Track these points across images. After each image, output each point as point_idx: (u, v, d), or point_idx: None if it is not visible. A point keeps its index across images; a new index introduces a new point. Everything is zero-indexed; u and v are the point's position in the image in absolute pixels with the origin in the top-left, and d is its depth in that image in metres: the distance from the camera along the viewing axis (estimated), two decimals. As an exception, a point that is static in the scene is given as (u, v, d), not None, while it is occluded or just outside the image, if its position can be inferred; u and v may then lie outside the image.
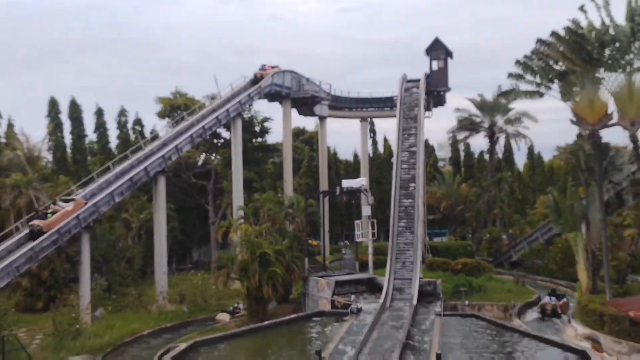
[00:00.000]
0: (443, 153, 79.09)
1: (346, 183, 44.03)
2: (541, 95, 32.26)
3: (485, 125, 63.06)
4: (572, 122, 32.07)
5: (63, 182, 47.86)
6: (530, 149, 67.66)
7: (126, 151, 48.96)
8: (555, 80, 32.12)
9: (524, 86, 32.74)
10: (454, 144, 71.14)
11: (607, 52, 28.89)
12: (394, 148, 45.76)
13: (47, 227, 35.69)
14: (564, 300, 38.61)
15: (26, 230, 35.74)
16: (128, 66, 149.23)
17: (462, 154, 73.19)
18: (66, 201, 38.23)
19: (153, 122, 60.62)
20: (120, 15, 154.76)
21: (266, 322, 31.27)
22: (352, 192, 43.38)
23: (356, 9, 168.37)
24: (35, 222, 35.84)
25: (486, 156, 68.42)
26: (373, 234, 41.16)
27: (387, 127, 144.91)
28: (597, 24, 29.13)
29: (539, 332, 29.86)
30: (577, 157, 35.14)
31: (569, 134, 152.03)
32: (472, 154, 72.61)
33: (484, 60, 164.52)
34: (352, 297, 34.66)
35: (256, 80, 53.34)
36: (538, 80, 32.13)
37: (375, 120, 72.88)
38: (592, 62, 28.92)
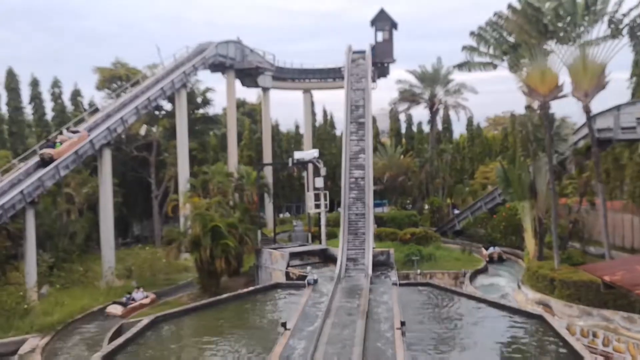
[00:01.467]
0: (382, 124, 79.92)
1: (298, 154, 44.06)
2: (495, 67, 32.81)
3: (426, 96, 63.50)
4: (524, 92, 32.85)
5: (3, 155, 45.91)
6: (470, 120, 68.70)
7: (64, 123, 47.88)
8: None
9: (477, 58, 33.25)
10: (395, 115, 71.63)
11: (560, 24, 29.48)
12: (343, 120, 45.57)
13: (57, 155, 38.43)
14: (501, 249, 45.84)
15: (37, 159, 38.28)
16: (46, 35, 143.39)
17: (402, 125, 73.72)
18: (73, 132, 40.77)
19: (89, 93, 58.96)
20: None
21: (225, 295, 30.80)
22: (304, 163, 43.30)
23: None
24: (46, 150, 38.42)
25: (426, 127, 69.37)
26: (325, 205, 41.19)
27: (326, 98, 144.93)
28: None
29: (495, 299, 30.59)
30: (526, 128, 36.08)
31: (502, 104, 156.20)
32: (412, 125, 73.38)
33: (413, 31, 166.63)
34: (308, 268, 34.61)
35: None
36: (492, 52, 32.66)
37: (313, 92, 72.53)
38: (548, 34, 29.50)
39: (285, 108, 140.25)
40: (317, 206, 41.13)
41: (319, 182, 41.09)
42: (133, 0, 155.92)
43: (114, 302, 35.22)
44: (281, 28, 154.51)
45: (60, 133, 40.70)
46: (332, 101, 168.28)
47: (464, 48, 33.06)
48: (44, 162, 38.18)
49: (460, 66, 33.80)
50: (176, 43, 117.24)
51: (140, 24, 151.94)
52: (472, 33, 32.67)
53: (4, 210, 34.68)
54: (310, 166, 44.19)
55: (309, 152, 44.84)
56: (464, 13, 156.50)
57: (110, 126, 42.66)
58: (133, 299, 36.00)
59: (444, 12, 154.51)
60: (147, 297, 37.05)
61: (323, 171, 41.64)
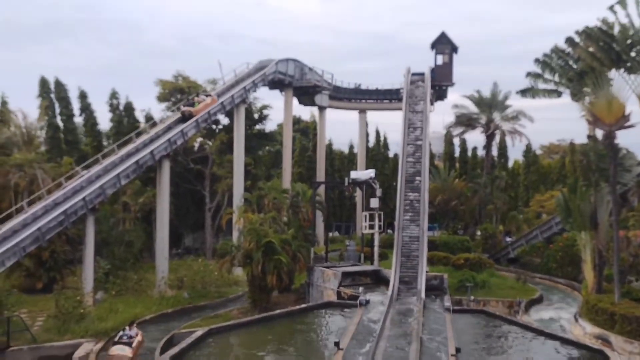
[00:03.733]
0: (436, 148, 79.46)
1: (355, 174, 44.00)
2: (559, 94, 32.27)
3: (482, 121, 63.17)
4: (588, 121, 32.15)
5: (67, 162, 47.15)
6: (528, 147, 68.27)
7: (124, 134, 48.69)
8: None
9: (541, 85, 32.76)
10: (449, 139, 71.56)
11: (632, 53, 28.92)
12: (398, 141, 45.64)
13: (196, 112, 45.69)
14: None
15: (178, 115, 45.88)
16: (107, 48, 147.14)
17: (456, 149, 73.43)
18: (206, 95, 48.28)
19: (144, 105, 60.27)
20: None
21: (277, 311, 31.00)
22: (359, 183, 43.28)
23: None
24: (187, 108, 45.84)
25: (480, 152, 68.86)
26: (380, 226, 41.11)
27: (379, 119, 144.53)
28: (625, 24, 29.18)
29: (553, 330, 29.90)
30: (588, 157, 35.25)
31: (557, 133, 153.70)
32: (466, 149, 72.96)
33: (467, 56, 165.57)
34: (360, 288, 34.37)
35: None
36: (557, 79, 32.15)
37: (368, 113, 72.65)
38: (620, 63, 28.96)
39: (337, 127, 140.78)
40: (371, 226, 40.98)
41: (374, 202, 40.96)
42: (192, 16, 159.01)
43: (115, 343, 28.24)
44: (334, 48, 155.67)
45: (197, 95, 48.51)
46: (385, 122, 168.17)
47: (529, 74, 32.61)
48: (184, 117, 45.41)
49: (524, 92, 33.29)
50: (233, 59, 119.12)
51: (199, 39, 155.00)
52: (537, 60, 32.29)
53: (67, 215, 35.56)
54: (364, 186, 44.10)
55: (365, 172, 44.66)
56: (517, 39, 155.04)
57: (171, 138, 43.37)
58: (131, 337, 30.00)
59: (500, 37, 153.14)
60: (138, 334, 30.89)
61: (379, 192, 41.58)
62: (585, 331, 30.61)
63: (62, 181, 38.45)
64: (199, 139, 61.47)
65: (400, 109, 52.70)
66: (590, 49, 29.63)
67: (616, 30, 29.50)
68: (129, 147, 42.16)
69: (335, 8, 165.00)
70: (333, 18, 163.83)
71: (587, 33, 29.13)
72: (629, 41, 29.05)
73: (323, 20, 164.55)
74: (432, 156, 68.16)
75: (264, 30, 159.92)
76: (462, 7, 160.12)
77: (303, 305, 33.17)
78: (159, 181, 44.10)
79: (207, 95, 48.38)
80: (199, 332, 25.42)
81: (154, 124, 48.04)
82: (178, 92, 58.35)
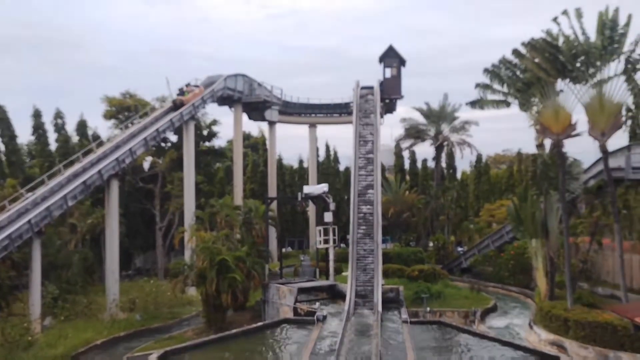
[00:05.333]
0: (386, 160, 79.57)
1: (308, 189, 43.69)
2: (508, 104, 32.75)
3: (431, 133, 63.62)
4: (537, 130, 32.71)
5: (10, 185, 45.63)
6: (479, 157, 69.15)
7: (68, 154, 47.92)
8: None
9: (490, 95, 33.19)
10: (399, 151, 71.74)
11: (577, 63, 29.53)
12: (351, 154, 45.34)
13: (186, 101, 50.28)
14: None
15: (170, 105, 50.04)
16: (46, 66, 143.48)
17: (406, 161, 73.72)
18: (195, 86, 52.12)
19: (89, 124, 59.13)
20: (36, 13, 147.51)
21: (234, 331, 30.33)
22: (312, 198, 43.09)
23: (284, 15, 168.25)
24: (178, 97, 50.41)
25: (430, 164, 69.29)
26: (334, 241, 40.91)
27: (329, 134, 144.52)
28: (569, 36, 29.85)
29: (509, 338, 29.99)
30: (537, 166, 35.91)
31: (503, 143, 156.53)
32: (416, 161, 73.34)
33: (416, 69, 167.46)
34: (317, 304, 34.08)
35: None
36: (505, 89, 32.65)
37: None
38: (566, 73, 29.53)
39: (288, 142, 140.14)
40: (326, 241, 40.73)
41: (328, 216, 40.77)
42: (134, 33, 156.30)
43: None
44: (281, 63, 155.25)
45: (187, 86, 51.91)
46: (335, 136, 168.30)
47: (477, 85, 32.99)
48: (176, 106, 49.61)
49: (474, 103, 33.63)
50: (180, 76, 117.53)
51: (143, 57, 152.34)
52: (485, 70, 32.67)
53: (11, 240, 34.34)
54: (317, 201, 43.91)
55: (318, 187, 44.41)
56: (464, 51, 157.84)
57: (119, 157, 42.60)
58: None
59: (447, 50, 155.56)
60: None
61: (332, 206, 41.40)
62: (540, 338, 30.93)
63: (6, 204, 37.31)
64: (149, 158, 60.96)
65: (350, 122, 52.47)
66: (536, 60, 30.15)
67: (560, 41, 30.13)
68: (76, 167, 41.15)
69: (281, 24, 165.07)
70: (279, 34, 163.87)
71: (533, 44, 29.65)
72: (573, 51, 29.67)
73: (269, 36, 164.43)
74: (383, 169, 68.51)
75: (210, 47, 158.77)
76: (408, 21, 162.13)
77: (259, 323, 32.55)
78: (107, 201, 43.13)
79: (195, 86, 52.17)
80: (154, 355, 24.64)
81: (101, 143, 47.01)
82: (125, 109, 57.75)
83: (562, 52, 29.41)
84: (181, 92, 51.27)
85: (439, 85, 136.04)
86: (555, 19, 29.21)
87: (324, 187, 43.46)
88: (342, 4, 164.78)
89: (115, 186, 42.95)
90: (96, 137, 57.12)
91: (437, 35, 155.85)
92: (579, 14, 29.21)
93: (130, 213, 57.98)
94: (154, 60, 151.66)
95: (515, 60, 31.98)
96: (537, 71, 30.02)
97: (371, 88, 53.23)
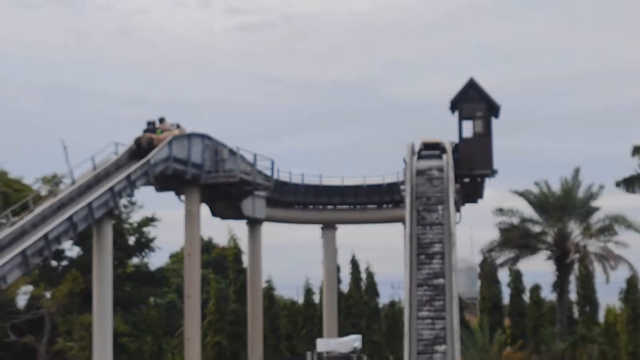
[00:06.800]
0: (463, 287, 72.42)
1: (324, 345, 41.84)
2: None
3: (550, 238, 58.49)
4: None
5: None
6: (632, 283, 59.33)
7: None
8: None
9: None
10: (491, 271, 64.02)
11: None
12: (405, 279, 40.64)
13: (158, 141, 47.59)
14: None
15: (128, 147, 47.38)
16: None
17: (504, 290, 65.71)
18: (172, 125, 50.85)
19: None
20: None
21: None
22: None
23: (271, 24, 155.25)
24: (146, 134, 48.16)
25: (547, 294, 62.49)
26: None
27: (359, 241, 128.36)
28: None
29: None
30: None
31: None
32: (522, 291, 64.67)
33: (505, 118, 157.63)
34: None
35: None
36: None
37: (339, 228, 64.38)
38: None
39: (282, 255, 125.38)
40: None
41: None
42: (28, 62, 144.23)
43: None
44: (266, 110, 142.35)
45: (161, 121, 49.59)
46: (368, 246, 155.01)
47: (637, 151, 33.37)
48: (140, 148, 46.59)
49: (631, 182, 34.50)
50: (84, 140, 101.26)
51: (11, 101, 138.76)
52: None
53: None
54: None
55: (343, 341, 43.11)
56: (589, 86, 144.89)
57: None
58: None
59: (564, 83, 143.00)
60: None
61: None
62: None
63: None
64: (27, 288, 56.20)
65: (398, 219, 50.64)
66: None
67: None
68: None
69: (266, 40, 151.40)
70: (262, 58, 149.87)
71: None
72: None
73: (246, 62, 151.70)
74: (461, 305, 60.59)
75: (133, 82, 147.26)
76: (489, 34, 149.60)
77: None
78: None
79: (174, 125, 50.93)
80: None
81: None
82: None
83: None
84: (151, 129, 48.48)
85: (552, 149, 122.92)
86: None
87: (354, 342, 42.60)
88: (366, 4, 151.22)
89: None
90: None
91: (540, 59, 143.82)
92: None
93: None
94: (31, 108, 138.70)
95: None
96: None
97: (438, 157, 48.59)
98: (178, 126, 50.49)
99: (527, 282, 64.28)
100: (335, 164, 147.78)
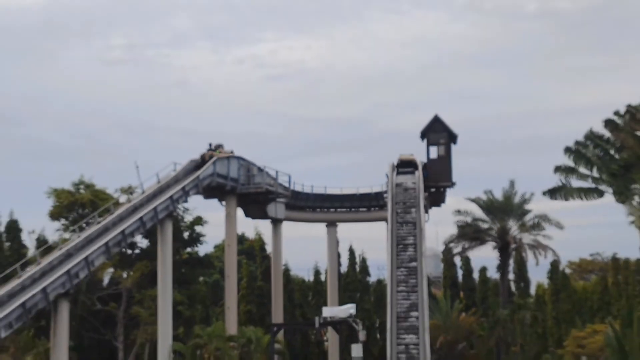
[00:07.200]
0: (429, 269, 78.86)
1: (328, 311, 43.87)
2: (601, 194, 32.68)
3: (494, 233, 63.54)
4: (641, 229, 32.42)
5: None
6: (555, 265, 66.87)
7: (4, 266, 47.56)
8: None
9: (575, 182, 33.19)
10: (450, 258, 70.39)
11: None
12: (386, 263, 45.09)
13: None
14: None
15: (197, 159, 55.50)
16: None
17: (459, 271, 71.89)
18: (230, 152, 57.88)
19: (31, 224, 59.09)
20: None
21: None
22: (335, 324, 43.04)
23: (288, 76, 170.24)
24: (209, 151, 56.13)
25: (492, 274, 68.31)
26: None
27: (355, 235, 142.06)
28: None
29: None
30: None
31: (589, 245, 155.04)
32: (472, 271, 71.52)
33: (464, 144, 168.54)
34: None
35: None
36: (595, 174, 32.61)
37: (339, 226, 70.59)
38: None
39: (297, 246, 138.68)
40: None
41: (357, 349, 40.35)
42: (88, 105, 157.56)
43: None
44: (285, 140, 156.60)
45: (219, 146, 57.21)
46: (361, 238, 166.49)
47: (558, 169, 33.30)
48: (204, 162, 54.84)
49: (554, 192, 33.86)
50: (151, 159, 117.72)
51: (100, 134, 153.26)
52: (567, 149, 32.84)
53: None
54: (341, 328, 44.44)
55: (342, 308, 44.88)
56: (528, 121, 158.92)
57: (70, 270, 41.87)
58: None
59: (506, 119, 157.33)
60: None
61: (362, 335, 41.20)
62: None
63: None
64: (110, 270, 60.68)
65: (383, 219, 53.53)
66: (638, 133, 30.13)
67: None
68: (12, 285, 40.39)
69: (284, 88, 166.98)
70: (282, 101, 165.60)
71: (633, 112, 29.73)
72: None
73: (269, 105, 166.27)
74: (429, 283, 68.10)
75: (187, 119, 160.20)
76: (452, 83, 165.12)
77: None
78: (53, 331, 42.28)
79: (231, 151, 57.77)
80: None
81: (49, 249, 46.70)
82: (79, 206, 57.77)
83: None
84: (212, 149, 56.19)
85: (499, 167, 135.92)
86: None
87: (350, 309, 43.82)
88: (363, 61, 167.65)
89: (64, 310, 42.10)
90: (42, 241, 57.05)
91: (491, 101, 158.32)
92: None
93: (85, 346, 57.07)
94: (115, 138, 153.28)
95: (608, 135, 32.06)
96: (638, 148, 29.95)
97: (412, 173, 54.25)
98: (232, 152, 57.22)
99: (478, 265, 70.49)
100: (337, 179, 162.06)
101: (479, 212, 64.27)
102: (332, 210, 65.69)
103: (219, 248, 72.91)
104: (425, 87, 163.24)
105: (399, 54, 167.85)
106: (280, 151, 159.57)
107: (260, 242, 72.15)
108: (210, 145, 56.73)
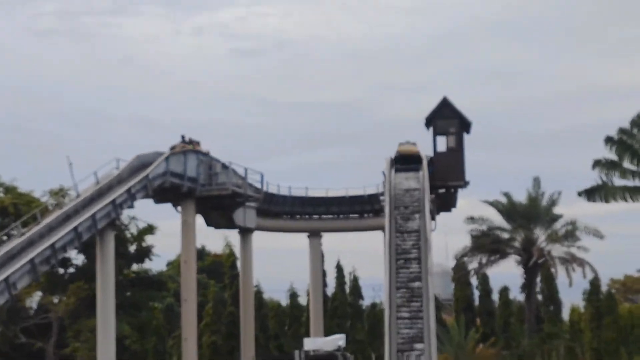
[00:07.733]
0: (439, 290, 78.58)
1: (311, 344, 45.19)
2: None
3: (517, 243, 64.43)
4: None
5: None
6: (595, 284, 66.16)
7: None
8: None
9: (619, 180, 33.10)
10: (464, 276, 70.38)
11: None
12: (385, 282, 45.37)
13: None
14: None
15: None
16: None
17: (474, 291, 71.74)
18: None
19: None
20: None
21: None
22: (321, 359, 44.18)
23: (264, 51, 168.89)
24: (182, 144, 58.69)
25: (516, 295, 68.81)
26: None
27: (343, 247, 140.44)
28: None
29: None
30: None
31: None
32: (490, 292, 71.19)
33: (478, 136, 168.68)
34: None
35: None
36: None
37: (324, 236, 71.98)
38: None
39: (271, 262, 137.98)
40: None
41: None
42: (9, 84, 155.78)
43: None
44: (260, 130, 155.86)
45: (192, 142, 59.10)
46: (352, 251, 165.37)
47: (597, 164, 33.11)
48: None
49: (591, 193, 33.66)
50: (93, 156, 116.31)
51: (30, 123, 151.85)
52: (609, 139, 32.64)
53: None
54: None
55: (328, 340, 46.16)
56: (560, 107, 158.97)
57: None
58: None
59: (531, 103, 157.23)
60: None
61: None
62: None
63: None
64: (37, 294, 62.69)
65: (378, 227, 54.41)
66: None
67: None
68: None
69: (258, 65, 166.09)
70: (255, 82, 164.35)
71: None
72: None
73: (239, 87, 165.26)
74: (437, 306, 66.01)
75: (139, 105, 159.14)
76: (466, 59, 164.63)
77: None
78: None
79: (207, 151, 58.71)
80: None
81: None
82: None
83: None
84: (185, 141, 58.27)
85: (521, 162, 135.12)
86: None
87: (338, 341, 45.00)
88: (358, 31, 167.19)
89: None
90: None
91: (515, 81, 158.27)
92: None
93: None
94: (48, 128, 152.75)
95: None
96: None
97: (415, 170, 53.76)
98: (208, 152, 59.22)
99: (498, 284, 69.71)
100: (321, 178, 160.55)
101: (497, 219, 64.92)
102: (315, 217, 66.20)
103: (173, 265, 75.68)
104: (435, 64, 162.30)
105: (403, 23, 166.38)
106: (255, 145, 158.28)
107: (231, 258, 71.67)
108: (183, 137, 56.53)
